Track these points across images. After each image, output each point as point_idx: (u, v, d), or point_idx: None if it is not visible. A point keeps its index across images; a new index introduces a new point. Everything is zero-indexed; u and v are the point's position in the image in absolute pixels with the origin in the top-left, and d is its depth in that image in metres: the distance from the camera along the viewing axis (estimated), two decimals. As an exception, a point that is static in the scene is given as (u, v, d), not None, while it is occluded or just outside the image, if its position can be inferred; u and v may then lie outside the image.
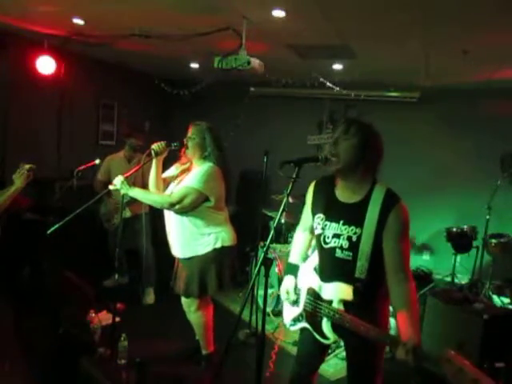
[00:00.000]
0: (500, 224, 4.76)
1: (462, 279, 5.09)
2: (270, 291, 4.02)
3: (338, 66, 4.82)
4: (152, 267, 4.25)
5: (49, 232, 2.68)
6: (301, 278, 2.02)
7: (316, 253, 1.98)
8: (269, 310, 4.08)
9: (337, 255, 1.81)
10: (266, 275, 2.02)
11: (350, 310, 1.77)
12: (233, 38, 3.51)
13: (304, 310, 1.95)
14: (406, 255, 1.76)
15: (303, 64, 4.71)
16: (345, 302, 1.79)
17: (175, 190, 2.85)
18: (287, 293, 2.02)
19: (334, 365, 3.43)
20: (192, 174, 2.84)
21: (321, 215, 1.89)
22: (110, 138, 6.21)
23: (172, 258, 3.03)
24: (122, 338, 3.01)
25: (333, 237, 1.83)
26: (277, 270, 4.21)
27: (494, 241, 4.48)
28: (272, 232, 2.03)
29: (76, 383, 2.79)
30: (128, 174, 2.88)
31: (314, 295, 1.91)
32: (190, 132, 2.88)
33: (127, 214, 4.04)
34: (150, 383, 2.94)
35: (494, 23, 2.95)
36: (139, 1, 3.21)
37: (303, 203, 2.07)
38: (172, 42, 3.99)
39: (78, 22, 3.83)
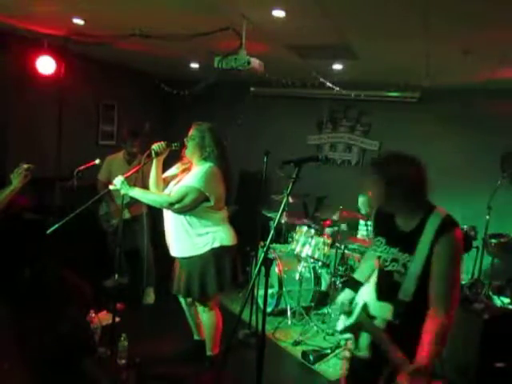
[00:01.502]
0: (500, 224, 4.76)
1: (462, 279, 5.09)
2: (269, 291, 4.03)
3: (337, 66, 4.82)
4: (152, 267, 4.25)
5: (49, 232, 2.68)
6: (362, 292, 2.05)
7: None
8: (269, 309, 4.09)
9: (394, 278, 1.84)
10: (266, 275, 2.02)
11: (390, 329, 1.79)
12: (233, 37, 3.50)
13: (354, 321, 1.98)
14: (452, 283, 1.74)
15: (303, 64, 4.71)
16: (387, 322, 1.82)
17: (174, 189, 2.85)
18: (342, 304, 2.07)
19: (334, 365, 3.43)
20: (192, 173, 2.84)
21: (381, 239, 1.94)
22: (110, 138, 6.21)
23: (171, 259, 3.03)
24: (122, 338, 3.01)
25: (391, 261, 1.87)
26: (277, 270, 4.21)
27: (494, 241, 4.48)
28: (272, 232, 2.03)
29: (76, 383, 2.79)
30: (128, 175, 2.88)
31: (365, 310, 1.94)
32: (191, 132, 2.88)
33: (126, 215, 4.04)
34: (149, 383, 2.95)
35: (495, 22, 2.95)
36: (139, 1, 3.21)
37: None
38: (172, 42, 3.98)
39: (78, 21, 3.83)
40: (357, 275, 2.19)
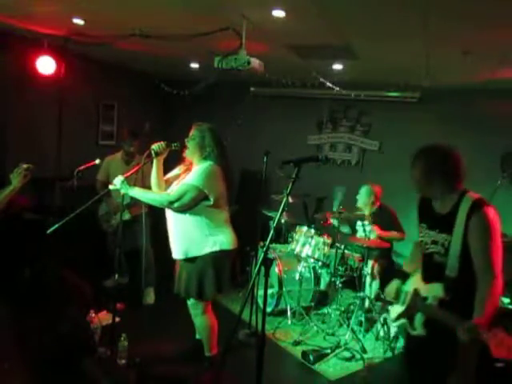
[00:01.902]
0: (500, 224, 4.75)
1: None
2: (269, 291, 4.03)
3: (337, 66, 4.82)
4: (152, 267, 4.25)
5: (49, 232, 2.68)
6: (411, 280, 2.24)
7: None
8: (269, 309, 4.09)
9: (435, 259, 2.06)
10: (266, 275, 2.02)
11: (443, 306, 1.96)
12: (233, 37, 3.50)
13: (406, 307, 2.16)
14: (492, 255, 1.90)
15: (303, 64, 4.71)
16: (438, 299, 1.99)
17: (175, 188, 2.85)
18: (390, 294, 2.27)
19: (334, 365, 3.43)
20: (192, 172, 2.84)
21: (424, 224, 2.16)
22: (109, 138, 6.21)
23: (172, 259, 3.03)
24: (122, 338, 3.02)
25: (431, 243, 2.08)
26: (277, 270, 4.21)
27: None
28: (272, 232, 2.03)
29: (76, 383, 2.79)
30: (128, 174, 2.88)
31: (416, 294, 2.12)
32: (191, 132, 2.88)
33: (126, 216, 4.04)
34: (149, 383, 2.95)
35: (495, 22, 2.95)
36: (139, 1, 3.21)
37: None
38: (172, 42, 3.98)
39: (78, 21, 3.83)
40: (405, 267, 2.38)
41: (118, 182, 2.80)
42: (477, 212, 1.93)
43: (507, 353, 1.62)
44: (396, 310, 2.25)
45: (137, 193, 2.84)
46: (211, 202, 2.78)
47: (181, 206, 2.76)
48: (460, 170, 2.05)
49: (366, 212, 4.42)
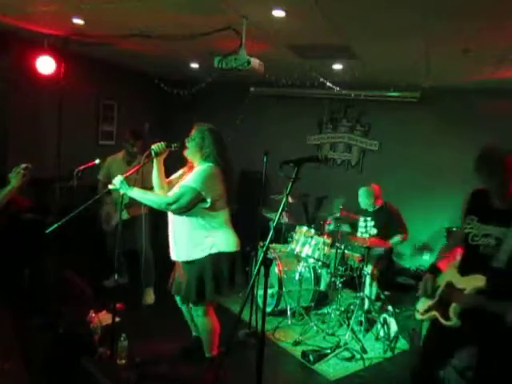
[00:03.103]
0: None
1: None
2: (269, 291, 4.03)
3: (337, 66, 4.82)
4: (152, 267, 4.25)
5: (48, 231, 2.68)
6: (443, 276, 2.27)
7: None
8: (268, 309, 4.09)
9: (480, 251, 2.09)
10: (266, 275, 2.02)
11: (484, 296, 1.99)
12: (233, 37, 3.50)
13: (437, 299, 2.22)
14: None
15: (303, 64, 4.71)
16: (477, 290, 2.03)
17: (174, 189, 2.85)
18: (427, 290, 2.28)
19: (334, 365, 3.43)
20: (191, 173, 2.84)
21: (473, 217, 2.19)
22: (109, 138, 6.21)
23: (171, 259, 3.02)
24: (122, 338, 3.01)
25: (482, 236, 2.11)
26: (277, 270, 4.21)
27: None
28: (272, 232, 2.03)
29: (76, 383, 2.79)
30: (128, 174, 2.88)
31: (450, 287, 2.17)
32: (191, 133, 2.88)
33: (125, 216, 4.04)
34: (149, 383, 2.95)
35: (495, 22, 2.95)
36: (139, 1, 3.21)
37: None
38: (172, 42, 3.98)
39: (78, 21, 3.83)
40: (437, 261, 2.39)
41: (117, 182, 2.79)
42: None
43: None
44: (425, 303, 2.29)
45: (136, 193, 2.83)
46: (208, 204, 2.76)
47: (178, 208, 2.75)
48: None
49: (370, 211, 4.46)
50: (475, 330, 2.08)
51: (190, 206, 2.75)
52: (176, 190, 2.78)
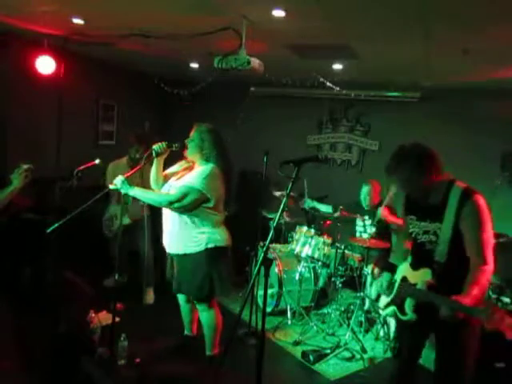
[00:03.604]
0: (500, 224, 4.75)
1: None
2: (269, 291, 4.03)
3: (337, 66, 4.81)
4: (152, 267, 4.25)
5: (48, 230, 2.68)
6: (399, 270, 2.32)
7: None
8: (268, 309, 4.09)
9: (426, 247, 2.17)
10: (266, 275, 2.02)
11: (432, 290, 2.05)
12: (233, 37, 3.50)
13: (394, 295, 2.27)
14: (484, 242, 2.02)
15: (303, 64, 4.71)
16: (427, 284, 2.08)
17: (175, 185, 2.84)
18: (381, 285, 2.36)
19: (334, 365, 3.43)
20: (193, 173, 2.84)
21: (412, 216, 2.25)
22: (109, 138, 6.21)
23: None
24: (122, 338, 3.02)
25: (423, 233, 2.19)
26: (277, 270, 4.21)
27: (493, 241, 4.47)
28: (271, 232, 2.03)
29: (76, 383, 2.79)
30: (128, 174, 2.88)
31: (405, 281, 2.24)
32: (191, 133, 2.88)
33: (126, 221, 4.04)
34: (149, 383, 2.95)
35: (495, 22, 2.95)
36: (139, 1, 3.21)
37: None
38: (172, 42, 3.98)
39: (78, 21, 3.82)
40: (392, 259, 2.44)
41: (118, 182, 2.80)
42: (469, 200, 2.03)
43: (499, 324, 1.70)
44: (384, 299, 2.36)
45: (137, 192, 2.84)
46: (212, 204, 2.80)
47: (181, 208, 2.77)
48: (434, 160, 2.13)
49: (368, 209, 4.46)
50: (429, 323, 2.14)
51: (193, 207, 2.77)
52: (178, 188, 2.78)
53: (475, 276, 1.97)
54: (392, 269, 2.38)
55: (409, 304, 2.16)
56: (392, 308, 2.29)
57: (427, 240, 2.17)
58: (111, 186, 2.85)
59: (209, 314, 3.01)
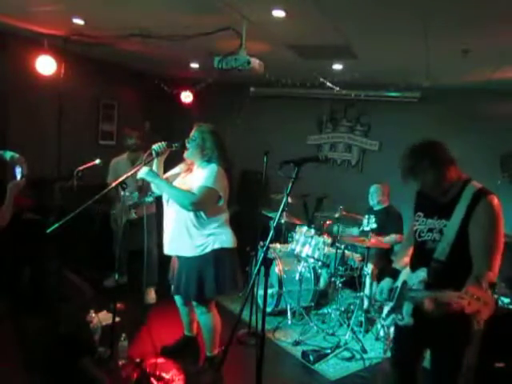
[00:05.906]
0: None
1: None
2: (269, 291, 4.03)
3: (337, 66, 4.82)
4: (154, 267, 4.25)
5: (49, 230, 2.68)
6: (401, 276, 2.23)
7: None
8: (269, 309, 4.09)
9: (428, 246, 2.06)
10: (266, 275, 2.02)
11: (429, 289, 1.96)
12: (233, 37, 3.50)
13: (395, 301, 2.18)
14: (492, 245, 1.87)
15: (303, 64, 4.71)
16: (423, 283, 2.01)
17: (192, 186, 2.80)
18: (381, 292, 2.26)
19: (334, 365, 3.43)
20: (202, 174, 2.79)
21: (420, 213, 2.17)
22: (110, 138, 6.21)
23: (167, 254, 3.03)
24: (122, 338, 3.02)
25: (427, 231, 2.09)
26: (277, 269, 4.21)
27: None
28: (272, 232, 2.03)
29: (76, 383, 2.79)
30: (129, 174, 2.87)
31: (404, 285, 2.15)
32: (192, 133, 2.87)
33: (133, 215, 4.04)
34: (149, 383, 2.95)
35: (495, 22, 2.95)
36: (139, 1, 3.21)
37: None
38: (172, 42, 3.98)
39: (78, 21, 3.83)
40: (395, 264, 2.36)
41: (143, 172, 2.77)
42: (482, 199, 1.92)
43: (478, 305, 1.70)
44: (386, 307, 2.29)
45: (163, 183, 2.81)
46: (221, 203, 2.82)
47: (200, 209, 2.76)
48: (450, 159, 2.03)
49: (375, 209, 4.49)
50: (424, 327, 2.04)
51: (208, 207, 2.78)
52: (199, 190, 2.72)
53: (475, 279, 1.82)
54: (394, 274, 2.31)
55: (406, 308, 2.11)
56: (392, 317, 2.23)
57: (430, 238, 2.07)
58: (139, 175, 2.81)
59: (207, 316, 2.99)
